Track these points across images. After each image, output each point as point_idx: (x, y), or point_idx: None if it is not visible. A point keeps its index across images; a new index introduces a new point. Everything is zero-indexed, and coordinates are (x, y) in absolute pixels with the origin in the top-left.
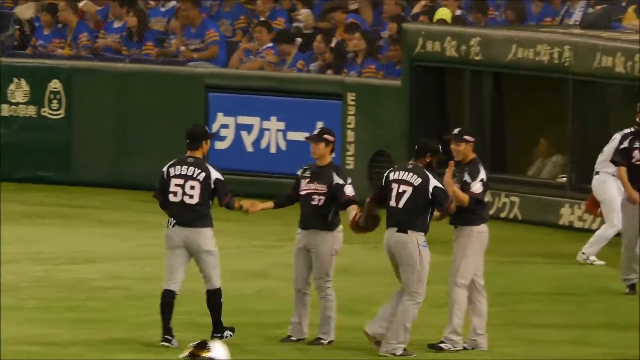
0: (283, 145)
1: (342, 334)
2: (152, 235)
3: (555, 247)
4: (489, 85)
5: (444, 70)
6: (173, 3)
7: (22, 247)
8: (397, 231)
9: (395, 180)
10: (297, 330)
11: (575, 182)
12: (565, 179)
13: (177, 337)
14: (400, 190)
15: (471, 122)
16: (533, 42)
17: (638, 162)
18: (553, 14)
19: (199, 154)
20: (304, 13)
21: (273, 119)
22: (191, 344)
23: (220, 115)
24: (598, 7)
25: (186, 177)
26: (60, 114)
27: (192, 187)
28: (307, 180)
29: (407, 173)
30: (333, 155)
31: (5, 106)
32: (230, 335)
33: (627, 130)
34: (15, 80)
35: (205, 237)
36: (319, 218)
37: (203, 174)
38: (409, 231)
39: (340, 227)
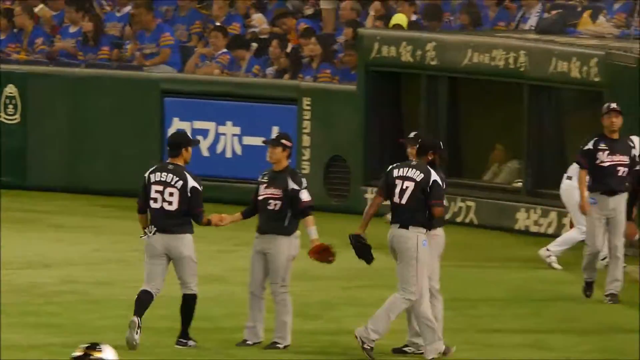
0: (239, 150)
1: (299, 338)
2: (107, 239)
3: (511, 252)
4: (445, 90)
5: (400, 75)
6: (128, 8)
7: None
8: (399, 227)
9: (399, 177)
10: (253, 334)
11: (531, 187)
12: (520, 183)
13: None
14: (404, 187)
15: (427, 127)
16: (488, 47)
17: (602, 164)
18: (508, 19)
19: (179, 161)
20: (256, 18)
21: (229, 123)
22: (82, 345)
23: (176, 120)
24: (553, 12)
25: (165, 184)
26: (15, 118)
27: (171, 194)
28: (265, 185)
29: (410, 169)
30: (289, 160)
31: None
32: (193, 344)
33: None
34: None
35: (186, 243)
36: (276, 223)
37: (181, 182)
38: (410, 227)
39: (297, 232)
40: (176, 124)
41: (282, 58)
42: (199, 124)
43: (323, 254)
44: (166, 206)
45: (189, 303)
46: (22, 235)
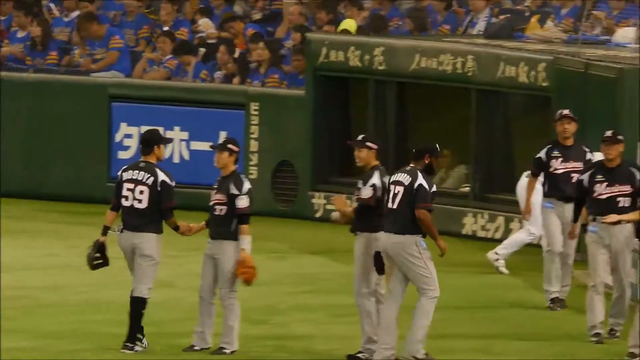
0: (186, 155)
1: (246, 343)
2: (62, 244)
3: (459, 257)
4: (393, 95)
5: (348, 80)
6: (77, 13)
7: None
8: (395, 233)
9: (392, 182)
10: (201, 339)
11: (479, 191)
12: (468, 188)
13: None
14: (396, 191)
15: (375, 132)
16: (436, 51)
17: (556, 172)
18: (456, 24)
19: (152, 159)
20: (203, 22)
21: (177, 128)
22: None
23: (123, 125)
24: (501, 17)
25: (136, 182)
26: None
27: (142, 192)
28: (215, 190)
29: (402, 174)
30: (237, 165)
31: None
32: (142, 348)
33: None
34: None
35: (148, 242)
36: (222, 228)
37: (152, 178)
38: (407, 233)
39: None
40: (124, 129)
41: (229, 63)
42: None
43: (247, 271)
44: (136, 204)
45: (134, 306)
46: None
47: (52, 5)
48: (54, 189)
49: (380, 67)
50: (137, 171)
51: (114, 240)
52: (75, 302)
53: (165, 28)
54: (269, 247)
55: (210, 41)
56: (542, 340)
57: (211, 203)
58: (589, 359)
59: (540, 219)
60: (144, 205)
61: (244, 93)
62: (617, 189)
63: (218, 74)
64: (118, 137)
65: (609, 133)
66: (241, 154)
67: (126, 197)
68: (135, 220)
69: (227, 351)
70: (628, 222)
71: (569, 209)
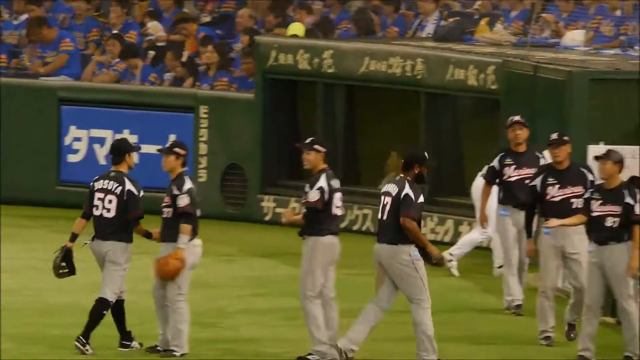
0: (136, 158)
1: (195, 346)
2: (14, 248)
3: None
4: (342, 98)
5: (297, 83)
6: (26, 16)
7: None
8: (387, 243)
9: (382, 193)
10: (164, 342)
11: (428, 194)
12: None
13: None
14: (385, 202)
15: (324, 135)
16: (385, 54)
17: (509, 179)
18: (405, 27)
19: (123, 168)
20: (152, 25)
21: (126, 131)
22: None
23: (73, 128)
24: (451, 20)
25: (106, 191)
26: None
27: (110, 201)
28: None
29: (391, 185)
30: (185, 168)
31: None
32: (87, 351)
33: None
34: None
35: (116, 249)
36: (169, 231)
37: (120, 188)
38: (399, 243)
39: (197, 240)
40: (73, 132)
41: (178, 67)
42: (96, 132)
43: (166, 266)
44: (105, 213)
45: (97, 306)
46: None
47: (0, 8)
48: (4, 192)
49: (330, 70)
50: (107, 181)
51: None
52: (35, 306)
53: (115, 31)
54: (219, 250)
55: (159, 44)
56: (493, 344)
57: (162, 206)
58: None
59: (494, 219)
60: (112, 214)
61: (193, 96)
62: (569, 190)
63: (168, 76)
64: (67, 140)
65: (554, 135)
66: (190, 157)
67: (97, 207)
68: (105, 229)
69: (177, 354)
70: (570, 225)
71: (523, 216)
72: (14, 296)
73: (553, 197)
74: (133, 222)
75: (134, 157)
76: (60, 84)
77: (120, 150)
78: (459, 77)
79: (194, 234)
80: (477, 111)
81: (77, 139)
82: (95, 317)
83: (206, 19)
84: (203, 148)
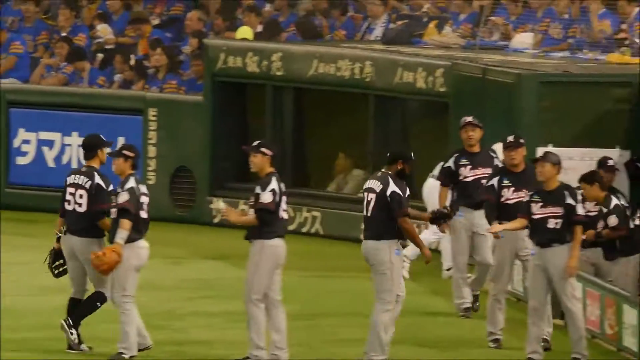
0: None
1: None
2: None
3: (358, 262)
4: (290, 100)
5: (246, 86)
6: None
7: None
8: (371, 239)
9: (365, 190)
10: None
11: None
12: None
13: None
14: (369, 199)
15: (273, 137)
16: (334, 57)
17: (465, 179)
18: (353, 29)
19: (94, 163)
20: (101, 28)
21: (75, 134)
22: None
23: (21, 130)
24: (399, 23)
25: (77, 186)
26: None
27: (81, 196)
28: None
29: (374, 181)
30: (134, 170)
31: None
32: (82, 349)
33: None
34: None
35: (90, 247)
36: (115, 232)
37: (89, 182)
38: (381, 239)
39: (142, 242)
40: (22, 135)
41: (127, 70)
42: (45, 135)
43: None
44: (77, 208)
45: (94, 295)
46: None
47: None
48: None
49: (278, 73)
50: (78, 175)
51: None
52: None
53: (64, 34)
54: (167, 252)
55: (108, 47)
56: (441, 347)
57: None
58: None
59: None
60: (83, 208)
61: (142, 99)
62: (524, 193)
63: (117, 78)
64: (16, 142)
65: (511, 138)
66: (140, 160)
67: (68, 202)
68: (77, 224)
69: (126, 356)
70: (512, 229)
71: (479, 215)
72: None
73: (508, 199)
74: (96, 214)
75: (106, 153)
76: (8, 86)
77: (91, 146)
78: (407, 80)
79: (138, 234)
80: (426, 114)
81: (26, 142)
82: (87, 305)
83: (155, 21)
84: (152, 150)
